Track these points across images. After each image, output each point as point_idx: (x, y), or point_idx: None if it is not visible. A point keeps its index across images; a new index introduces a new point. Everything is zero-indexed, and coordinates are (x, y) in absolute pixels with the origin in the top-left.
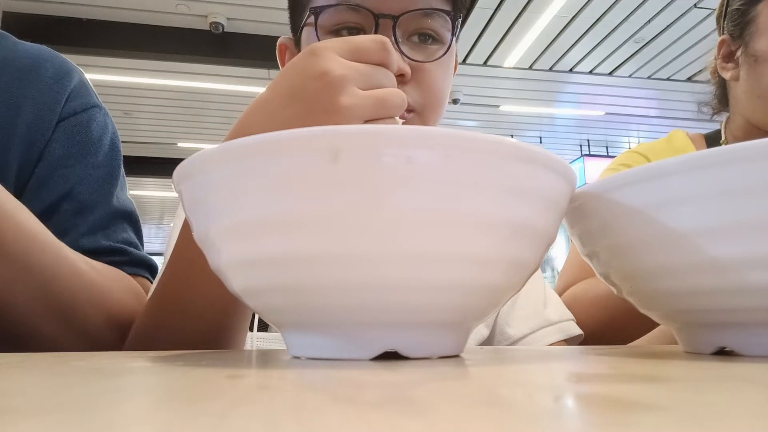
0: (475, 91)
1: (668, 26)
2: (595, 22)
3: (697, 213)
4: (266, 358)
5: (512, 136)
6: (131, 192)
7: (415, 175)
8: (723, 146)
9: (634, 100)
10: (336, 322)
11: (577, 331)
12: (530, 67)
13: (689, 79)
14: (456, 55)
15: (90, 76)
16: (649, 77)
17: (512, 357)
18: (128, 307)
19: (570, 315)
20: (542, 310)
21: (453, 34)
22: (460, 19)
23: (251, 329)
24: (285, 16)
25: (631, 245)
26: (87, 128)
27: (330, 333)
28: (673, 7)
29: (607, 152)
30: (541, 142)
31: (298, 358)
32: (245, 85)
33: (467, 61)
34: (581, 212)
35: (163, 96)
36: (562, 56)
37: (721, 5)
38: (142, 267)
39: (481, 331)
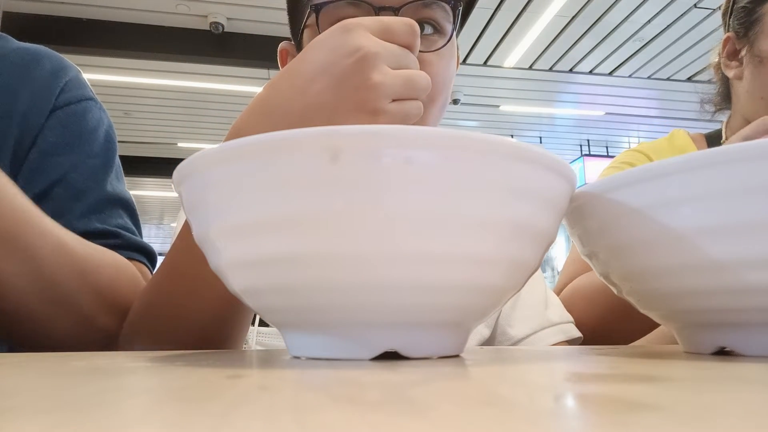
0: (475, 91)
1: (668, 26)
2: (595, 22)
3: (697, 213)
4: (266, 358)
5: (512, 136)
6: (131, 192)
7: (415, 175)
8: (723, 146)
9: (634, 100)
10: (336, 322)
11: (577, 333)
12: (530, 67)
13: (689, 79)
14: (458, 52)
15: (90, 76)
16: (649, 77)
17: (512, 357)
18: (123, 288)
19: (570, 317)
20: (543, 310)
21: (454, 24)
22: (461, 8)
23: (252, 323)
24: (285, 16)
25: (631, 245)
26: (82, 119)
27: (330, 333)
28: (673, 7)
29: (607, 152)
30: (541, 142)
31: (298, 358)
32: (245, 85)
33: (467, 61)
34: (581, 212)
35: (163, 96)
36: (562, 56)
37: (728, 1)
38: (139, 252)
39: (481, 331)
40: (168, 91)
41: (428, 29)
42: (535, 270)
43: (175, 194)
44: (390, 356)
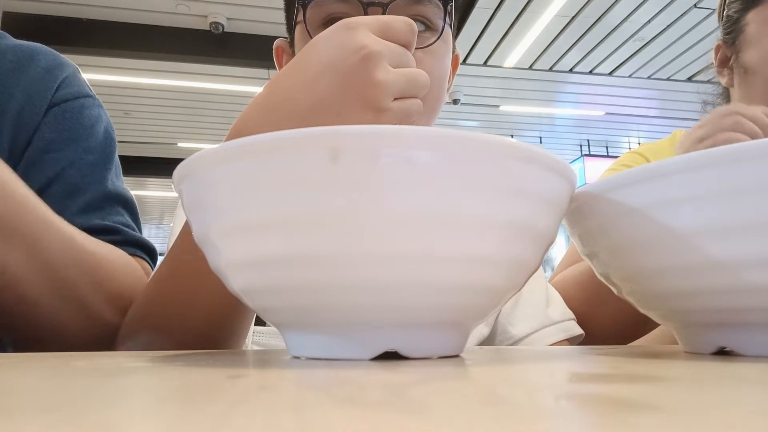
0: (475, 91)
1: (668, 26)
2: (595, 22)
3: (697, 213)
4: (266, 358)
5: (512, 136)
6: (136, 192)
7: (415, 176)
8: (723, 146)
9: (634, 100)
10: (336, 322)
11: (579, 330)
12: (530, 67)
13: (689, 79)
14: (456, 52)
15: (90, 76)
16: (649, 77)
17: (512, 357)
18: (127, 283)
19: (571, 314)
20: (545, 309)
21: (445, 20)
22: (452, 4)
23: None
24: (284, 16)
25: (631, 245)
26: (78, 115)
27: (330, 333)
28: (673, 7)
29: (607, 152)
30: (541, 142)
31: (298, 358)
32: (245, 85)
33: (467, 61)
34: (581, 212)
35: (163, 96)
36: (562, 56)
37: (720, 7)
38: (139, 248)
39: (481, 329)
40: (168, 91)
41: (419, 26)
42: (535, 270)
43: (175, 194)
44: (390, 356)
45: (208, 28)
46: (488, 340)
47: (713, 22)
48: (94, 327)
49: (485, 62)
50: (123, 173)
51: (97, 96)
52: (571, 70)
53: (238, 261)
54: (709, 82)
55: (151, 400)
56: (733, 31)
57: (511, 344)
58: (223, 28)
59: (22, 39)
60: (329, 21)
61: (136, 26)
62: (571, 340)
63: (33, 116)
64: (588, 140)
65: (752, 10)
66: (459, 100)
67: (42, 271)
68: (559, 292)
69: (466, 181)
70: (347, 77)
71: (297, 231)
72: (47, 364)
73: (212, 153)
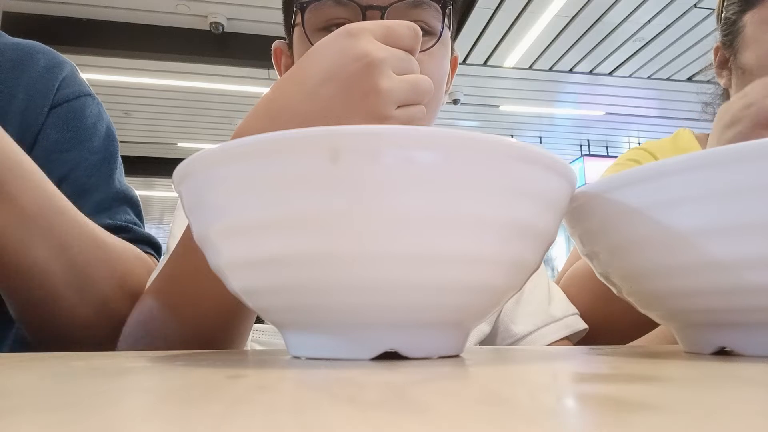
0: (475, 91)
1: (668, 26)
2: (595, 22)
3: (697, 213)
4: (266, 358)
5: (512, 136)
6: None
7: (415, 176)
8: (723, 146)
9: (634, 100)
10: (336, 322)
11: (582, 325)
12: (530, 67)
13: (689, 79)
14: (455, 53)
15: (90, 76)
16: (649, 77)
17: (512, 357)
18: (143, 278)
19: (574, 309)
20: (547, 306)
21: (444, 24)
22: (450, 7)
23: None
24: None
25: (631, 245)
26: (81, 115)
27: (330, 333)
28: (673, 7)
29: (607, 152)
30: (541, 142)
31: (298, 358)
32: (245, 85)
33: (467, 61)
34: (581, 212)
35: (163, 96)
36: (562, 56)
37: (718, 9)
38: (147, 244)
39: (481, 327)
40: (168, 91)
41: None
42: (536, 270)
43: (175, 194)
44: (390, 356)
45: (208, 28)
46: (489, 338)
47: (713, 22)
48: (111, 321)
49: (485, 62)
50: (125, 173)
51: (96, 95)
52: (571, 70)
53: (238, 261)
54: (709, 82)
55: (151, 400)
56: (731, 32)
57: (513, 342)
58: (223, 28)
59: (22, 39)
60: (327, 24)
61: (136, 26)
62: (575, 335)
63: (36, 117)
64: (588, 140)
65: (749, 11)
66: (459, 100)
67: (71, 269)
68: (569, 290)
69: (466, 181)
70: (349, 85)
71: (297, 231)
72: (47, 364)
73: (212, 153)
